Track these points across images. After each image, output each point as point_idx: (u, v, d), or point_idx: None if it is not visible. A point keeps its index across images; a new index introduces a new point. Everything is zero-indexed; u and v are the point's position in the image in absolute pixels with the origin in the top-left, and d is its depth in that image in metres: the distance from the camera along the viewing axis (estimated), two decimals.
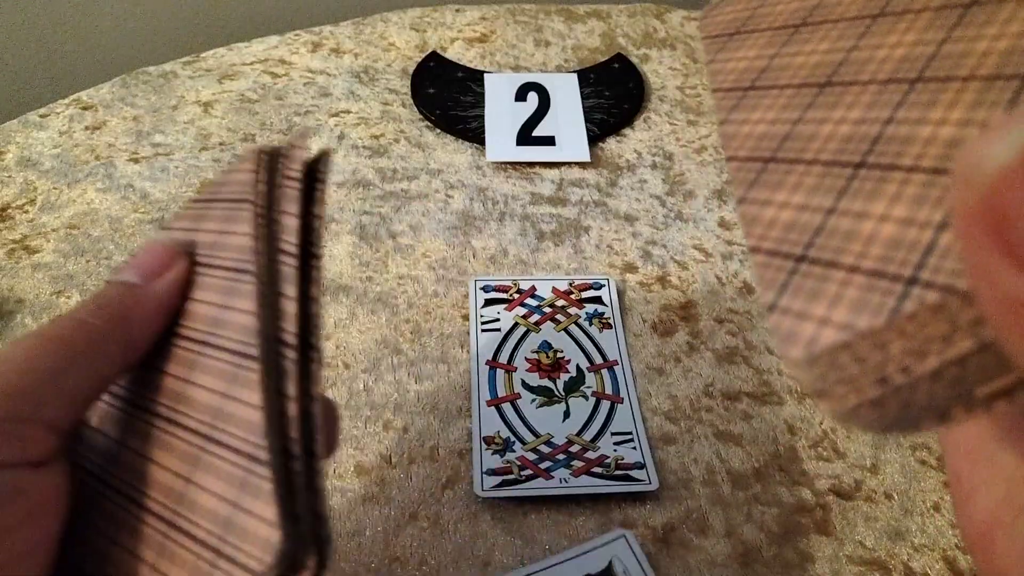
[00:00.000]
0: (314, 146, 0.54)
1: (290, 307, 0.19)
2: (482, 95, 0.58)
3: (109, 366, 0.21)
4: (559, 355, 0.42)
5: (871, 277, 0.12)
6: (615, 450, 0.38)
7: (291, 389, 0.18)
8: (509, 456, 0.37)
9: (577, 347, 0.43)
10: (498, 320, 0.44)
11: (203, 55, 0.62)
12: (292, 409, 0.18)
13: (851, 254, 0.12)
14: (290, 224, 0.20)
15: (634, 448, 0.38)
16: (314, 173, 0.21)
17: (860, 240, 0.13)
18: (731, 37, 0.20)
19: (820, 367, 0.12)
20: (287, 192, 0.21)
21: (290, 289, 0.20)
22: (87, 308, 0.21)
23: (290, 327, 0.19)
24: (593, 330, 0.43)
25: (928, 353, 0.11)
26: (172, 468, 0.20)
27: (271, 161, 0.22)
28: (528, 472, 0.37)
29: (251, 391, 0.19)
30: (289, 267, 0.20)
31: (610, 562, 0.34)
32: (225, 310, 0.21)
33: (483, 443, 0.38)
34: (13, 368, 0.19)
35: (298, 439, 0.18)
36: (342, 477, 0.37)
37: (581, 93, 0.59)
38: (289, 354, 0.19)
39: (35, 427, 0.19)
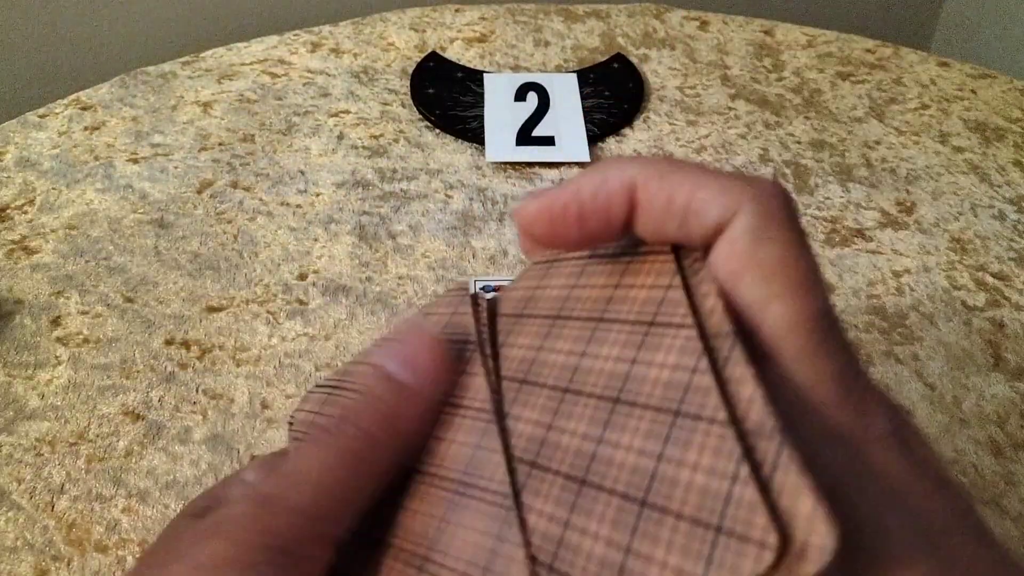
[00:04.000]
0: (313, 146, 0.54)
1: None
2: (482, 95, 0.58)
3: (383, 478, 0.19)
4: None
5: None
6: None
7: None
8: None
9: None
10: None
11: (202, 55, 0.62)
12: None
13: None
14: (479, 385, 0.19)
15: None
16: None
17: None
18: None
19: None
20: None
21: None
22: (364, 412, 0.19)
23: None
24: None
25: None
26: None
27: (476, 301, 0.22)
28: None
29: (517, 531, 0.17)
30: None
31: None
32: (479, 450, 0.18)
33: None
34: (310, 485, 0.17)
35: None
36: None
37: (581, 93, 0.59)
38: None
39: (326, 546, 0.17)
